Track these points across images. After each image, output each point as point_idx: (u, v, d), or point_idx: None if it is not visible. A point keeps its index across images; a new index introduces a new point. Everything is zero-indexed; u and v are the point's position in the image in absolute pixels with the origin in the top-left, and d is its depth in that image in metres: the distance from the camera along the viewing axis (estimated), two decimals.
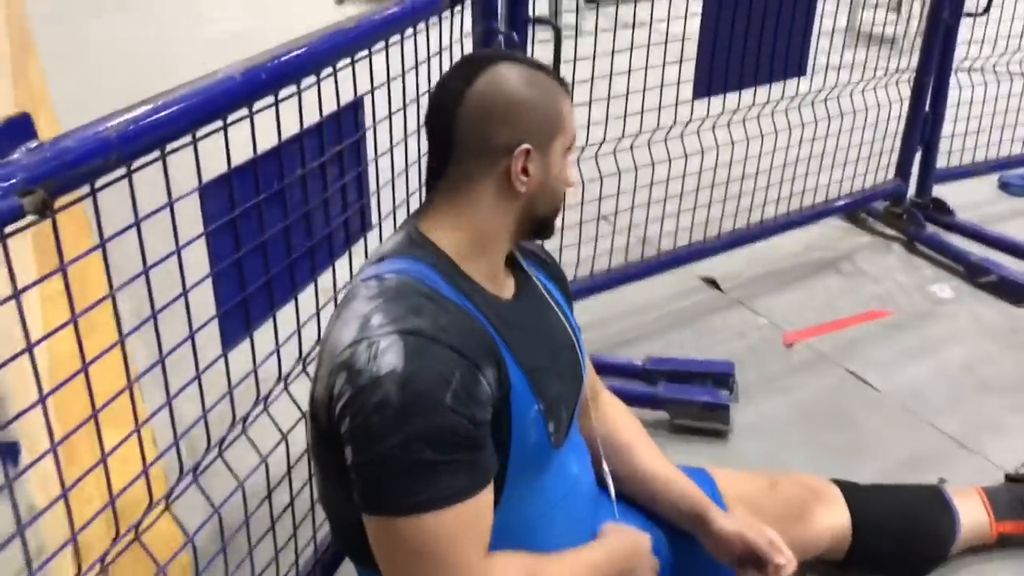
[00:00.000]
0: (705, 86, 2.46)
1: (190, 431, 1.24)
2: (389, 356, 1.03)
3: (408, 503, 1.04)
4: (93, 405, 1.03)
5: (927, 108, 3.00)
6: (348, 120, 1.43)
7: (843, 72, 2.96)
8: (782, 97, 2.74)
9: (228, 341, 1.22)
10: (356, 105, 1.44)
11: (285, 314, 1.40)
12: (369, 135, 1.53)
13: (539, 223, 1.23)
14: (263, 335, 1.34)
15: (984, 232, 3.03)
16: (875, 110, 3.04)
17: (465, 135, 1.15)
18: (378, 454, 1.03)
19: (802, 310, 2.71)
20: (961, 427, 2.21)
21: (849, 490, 1.73)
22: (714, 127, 2.62)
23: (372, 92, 1.50)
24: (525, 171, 1.15)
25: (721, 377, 2.28)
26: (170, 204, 1.10)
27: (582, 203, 2.40)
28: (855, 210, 3.22)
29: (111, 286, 1.03)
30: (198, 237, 1.14)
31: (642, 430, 1.56)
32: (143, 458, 1.13)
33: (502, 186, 1.16)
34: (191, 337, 1.18)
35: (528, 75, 1.17)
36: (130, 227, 1.04)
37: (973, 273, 2.82)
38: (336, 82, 1.38)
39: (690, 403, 2.18)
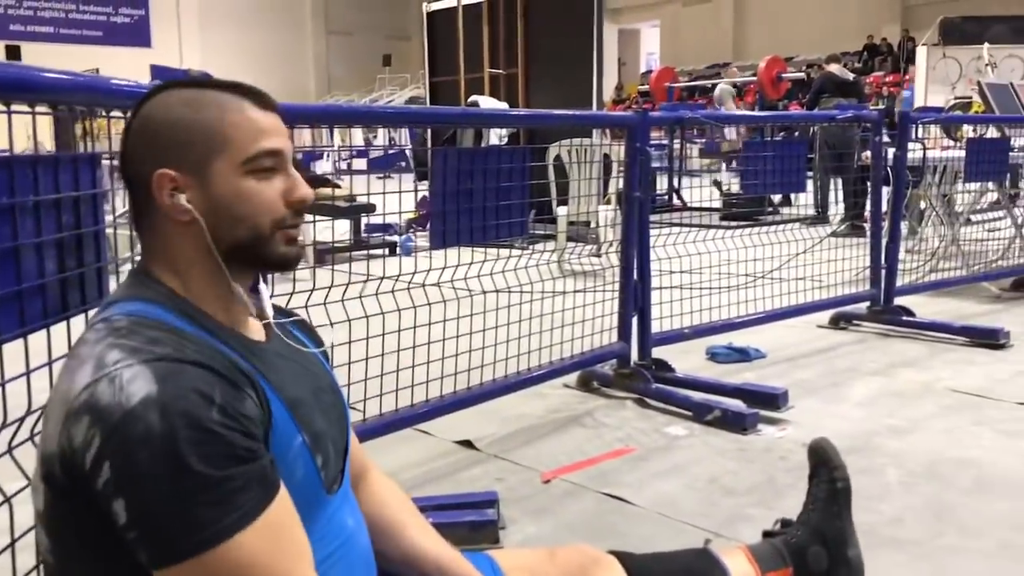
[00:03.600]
0: (440, 239, 2.62)
1: None
2: (138, 384, 0.93)
3: (214, 532, 0.92)
4: None
5: (635, 276, 3.34)
6: (86, 171, 1.39)
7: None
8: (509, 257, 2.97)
9: None
10: (92, 158, 1.40)
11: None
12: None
13: (239, 251, 1.10)
14: None
15: (702, 381, 3.33)
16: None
17: (126, 170, 1.10)
18: (157, 493, 0.91)
19: (555, 456, 2.78)
20: (715, 523, 2.30)
21: (625, 558, 1.73)
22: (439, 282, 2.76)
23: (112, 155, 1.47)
24: (177, 198, 1.06)
25: (485, 504, 2.25)
26: None
27: None
28: (588, 380, 3.43)
29: None
30: None
31: (415, 510, 1.49)
32: None
33: (169, 218, 1.07)
34: None
35: (188, 96, 1.09)
36: None
37: (699, 413, 3.05)
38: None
39: (457, 525, 2.12)
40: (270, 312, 1.24)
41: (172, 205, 1.06)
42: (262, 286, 1.25)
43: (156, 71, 1.75)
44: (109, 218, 1.57)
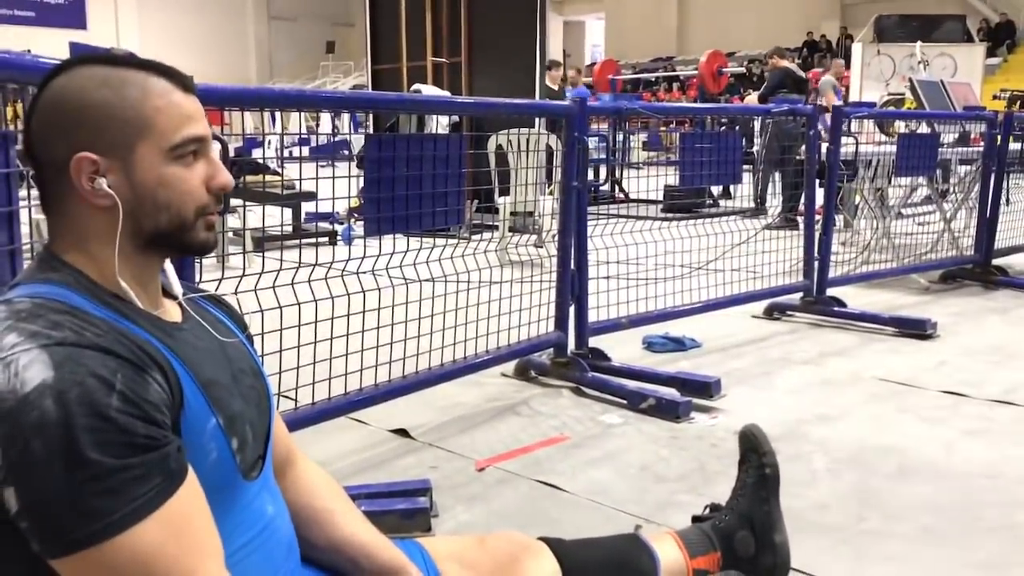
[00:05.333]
0: (374, 226, 2.59)
1: None
2: (34, 370, 0.90)
3: (109, 524, 0.89)
4: None
5: (573, 266, 3.35)
6: None
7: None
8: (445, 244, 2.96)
9: None
10: (4, 137, 1.36)
11: None
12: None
13: (160, 237, 1.08)
14: None
15: (637, 370, 3.36)
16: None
17: (37, 150, 1.06)
18: (50, 482, 0.88)
19: (490, 444, 2.79)
20: (646, 510, 2.33)
21: (555, 544, 1.74)
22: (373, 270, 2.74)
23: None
24: (98, 183, 1.03)
25: (418, 492, 2.24)
26: None
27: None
28: (525, 368, 3.44)
29: None
30: None
31: (344, 496, 1.48)
32: None
33: (87, 203, 1.04)
34: None
35: (105, 76, 1.05)
36: None
37: (634, 401, 3.08)
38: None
39: (388, 513, 2.11)
40: (179, 290, 1.21)
41: (92, 190, 1.04)
42: (167, 265, 1.22)
43: (75, 50, 1.69)
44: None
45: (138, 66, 1.08)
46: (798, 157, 6.16)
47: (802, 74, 9.62)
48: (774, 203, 8.16)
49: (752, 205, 8.56)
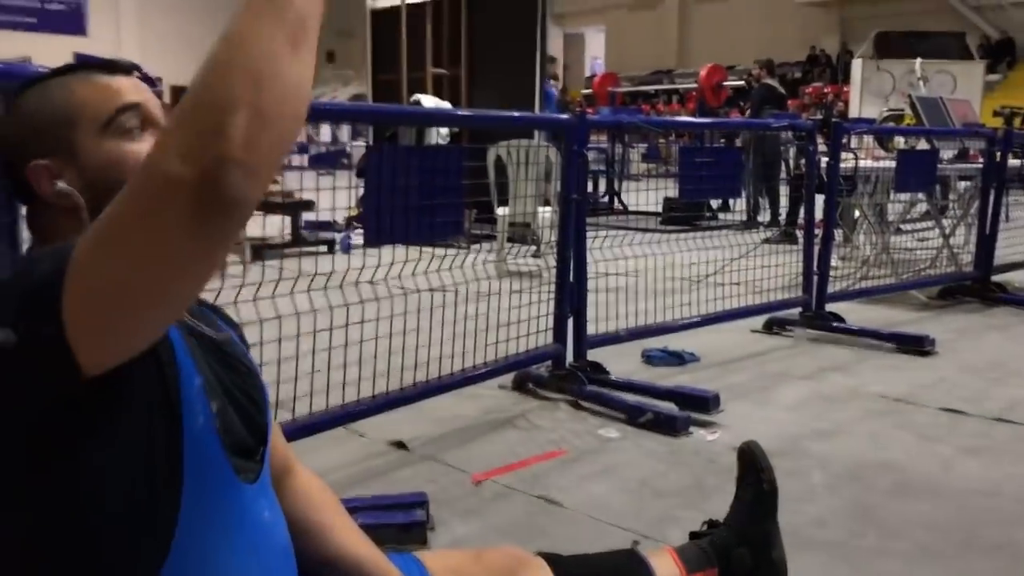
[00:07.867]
0: (374, 236, 2.59)
1: None
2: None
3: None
4: None
5: (571, 278, 3.35)
6: None
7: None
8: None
9: None
10: None
11: None
12: None
13: None
14: None
15: (635, 384, 3.36)
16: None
17: (6, 170, 1.08)
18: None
19: (487, 457, 2.77)
20: (643, 525, 2.32)
21: (553, 559, 1.74)
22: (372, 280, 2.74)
23: None
24: (58, 186, 1.04)
25: (415, 504, 2.24)
26: None
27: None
28: (523, 381, 3.43)
29: None
30: None
31: (341, 510, 1.47)
32: None
33: (53, 207, 1.05)
34: None
35: (42, 87, 1.09)
36: None
37: (632, 416, 3.07)
38: None
39: (385, 526, 2.10)
40: None
41: (55, 193, 1.05)
42: None
43: (79, 60, 1.71)
44: None
45: (71, 70, 1.11)
46: (796, 172, 6.16)
47: (782, 89, 10.03)
48: (766, 217, 8.26)
49: (746, 218, 8.64)
